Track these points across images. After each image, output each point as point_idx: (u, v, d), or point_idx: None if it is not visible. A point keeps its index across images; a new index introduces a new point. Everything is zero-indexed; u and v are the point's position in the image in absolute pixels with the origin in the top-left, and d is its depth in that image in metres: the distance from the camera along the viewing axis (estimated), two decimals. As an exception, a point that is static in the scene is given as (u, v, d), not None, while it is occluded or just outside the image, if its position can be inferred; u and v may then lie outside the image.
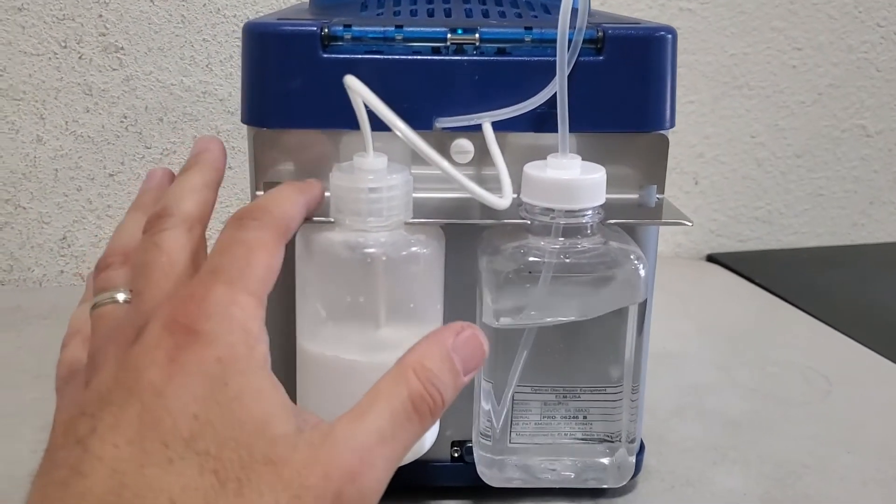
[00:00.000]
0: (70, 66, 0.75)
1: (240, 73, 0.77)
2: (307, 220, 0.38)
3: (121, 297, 0.35)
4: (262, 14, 0.65)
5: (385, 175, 0.38)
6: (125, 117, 0.77)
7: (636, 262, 0.39)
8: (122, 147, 0.77)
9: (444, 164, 0.37)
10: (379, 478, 0.29)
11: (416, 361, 0.32)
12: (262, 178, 0.42)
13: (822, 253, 0.92)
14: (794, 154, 0.91)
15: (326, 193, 0.39)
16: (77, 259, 0.80)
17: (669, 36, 0.42)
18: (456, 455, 0.47)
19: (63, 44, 0.74)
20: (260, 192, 0.42)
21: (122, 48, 0.75)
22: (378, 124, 0.37)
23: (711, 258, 0.90)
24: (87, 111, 0.76)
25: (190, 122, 0.78)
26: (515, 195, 0.40)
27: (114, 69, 0.76)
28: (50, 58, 0.75)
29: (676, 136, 0.86)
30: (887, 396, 0.62)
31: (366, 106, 0.36)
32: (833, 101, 0.90)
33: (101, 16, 0.74)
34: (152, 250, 0.34)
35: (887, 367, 0.66)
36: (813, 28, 0.87)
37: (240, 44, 0.76)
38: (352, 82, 0.35)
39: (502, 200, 0.38)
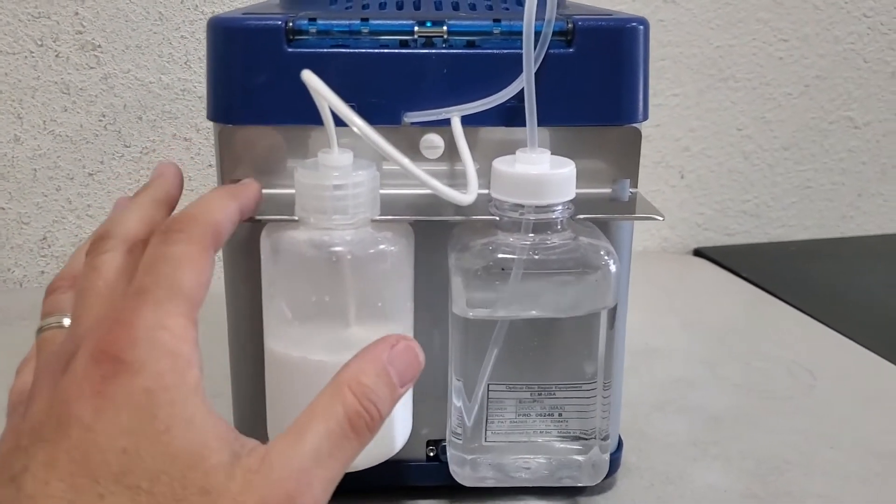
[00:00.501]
0: (47, 64, 0.74)
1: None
2: (249, 220, 0.38)
3: (66, 321, 0.35)
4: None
5: (350, 172, 0.37)
6: (104, 116, 0.76)
7: (606, 257, 0.39)
8: (101, 146, 0.77)
9: (405, 161, 0.36)
10: (317, 499, 0.29)
11: (351, 377, 0.32)
12: (229, 175, 0.41)
13: (810, 246, 0.92)
14: (781, 146, 0.90)
15: (289, 191, 0.38)
16: (57, 259, 0.79)
17: (641, 27, 0.41)
18: (431, 454, 0.46)
19: (39, 42, 0.74)
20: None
21: (99, 46, 0.74)
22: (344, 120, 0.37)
23: (698, 252, 0.90)
24: (65, 110, 0.75)
25: (169, 120, 0.77)
26: (485, 191, 0.39)
27: (91, 67, 0.75)
28: (26, 56, 0.74)
29: (661, 130, 0.86)
30: (872, 390, 0.61)
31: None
32: (820, 92, 0.89)
33: (77, 13, 0.74)
34: (90, 274, 0.33)
35: (873, 361, 0.66)
36: (799, 19, 0.86)
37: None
38: (308, 78, 0.35)
39: (466, 196, 0.38)
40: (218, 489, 0.28)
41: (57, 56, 0.74)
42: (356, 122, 0.35)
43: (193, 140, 0.77)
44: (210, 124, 0.77)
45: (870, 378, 0.63)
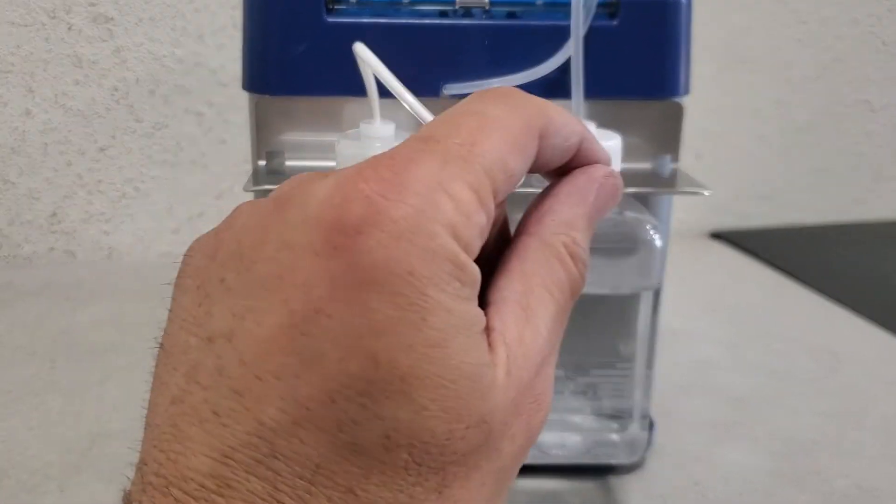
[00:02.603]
0: (59, 37, 0.73)
1: (232, 44, 0.75)
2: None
3: None
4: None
5: (393, 142, 0.36)
6: (116, 90, 0.75)
7: (652, 232, 0.38)
8: (112, 120, 0.76)
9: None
10: (550, 394, 0.23)
11: (565, 234, 0.24)
12: (265, 148, 0.41)
13: (826, 230, 0.92)
14: (797, 129, 0.90)
15: (328, 163, 0.37)
16: (68, 235, 0.78)
17: (685, 1, 0.40)
18: (462, 432, 0.46)
19: (51, 14, 0.72)
20: (262, 163, 0.41)
21: (111, 18, 0.73)
22: (385, 91, 0.36)
23: (714, 235, 0.89)
24: (77, 83, 0.74)
25: (182, 95, 0.76)
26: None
27: (104, 40, 0.74)
28: (38, 28, 0.73)
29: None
30: (894, 372, 0.61)
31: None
32: (837, 75, 0.89)
33: (91, -15, 0.72)
34: None
35: (893, 343, 0.66)
36: (818, 1, 0.86)
37: (233, 13, 0.75)
38: (361, 51, 0.34)
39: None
40: (491, 414, 0.20)
41: (69, 28, 0.73)
42: (406, 97, 0.34)
43: (206, 115, 0.76)
44: (223, 99, 0.77)
45: (891, 360, 0.63)
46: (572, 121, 0.25)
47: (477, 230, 0.21)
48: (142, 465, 0.19)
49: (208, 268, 0.21)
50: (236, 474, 0.18)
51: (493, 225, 0.25)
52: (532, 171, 0.24)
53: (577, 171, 0.26)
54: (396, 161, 0.20)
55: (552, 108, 0.24)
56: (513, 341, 0.21)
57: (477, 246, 0.21)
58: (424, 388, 0.19)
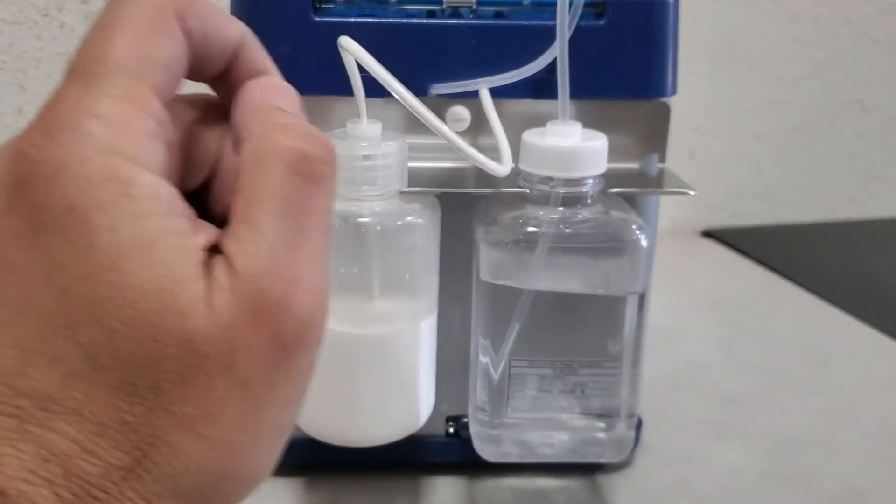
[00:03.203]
0: (51, 34, 0.73)
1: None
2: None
3: None
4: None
5: (380, 142, 0.36)
6: (110, 88, 0.75)
7: (638, 232, 0.38)
8: (107, 119, 0.75)
9: (444, 128, 0.36)
10: (311, 287, 0.22)
11: (265, 115, 0.24)
12: (252, 146, 0.41)
13: (819, 229, 0.92)
14: (791, 128, 0.90)
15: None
16: (62, 233, 0.78)
17: (672, 0, 0.40)
18: (451, 430, 0.46)
19: (44, 12, 0.72)
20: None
21: (106, 17, 0.73)
22: (371, 90, 0.36)
23: (707, 233, 0.89)
24: (71, 82, 0.74)
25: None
26: (513, 164, 0.39)
27: (98, 38, 0.74)
28: (30, 26, 0.72)
29: (672, 109, 0.85)
30: (885, 371, 0.61)
31: (360, 71, 0.35)
32: (831, 74, 0.89)
33: (84, -17, 0.72)
34: None
35: (884, 343, 0.66)
36: (811, 0, 0.86)
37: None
38: (346, 43, 0.34)
39: (502, 167, 0.37)
40: (201, 333, 0.21)
41: (61, 26, 0.73)
42: (397, 88, 0.34)
43: (201, 114, 0.76)
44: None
45: (882, 360, 0.63)
46: (226, 15, 0.25)
47: (143, 137, 0.21)
48: None
49: None
50: None
51: (203, 146, 0.25)
52: (195, 74, 0.25)
53: (245, 87, 0.25)
54: (47, 108, 0.21)
55: None
56: (236, 257, 0.22)
57: (154, 151, 0.22)
58: (107, 312, 0.20)
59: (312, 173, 0.23)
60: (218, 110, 0.26)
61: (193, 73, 0.25)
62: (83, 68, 0.22)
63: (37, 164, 0.20)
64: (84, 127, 0.21)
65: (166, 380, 0.21)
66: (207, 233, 0.22)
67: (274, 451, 0.24)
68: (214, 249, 0.22)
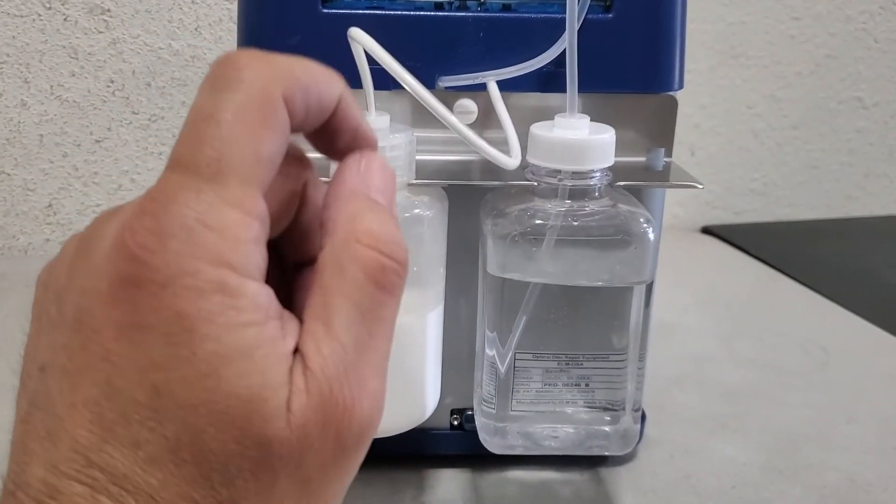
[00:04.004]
0: (55, 28, 0.73)
1: (230, 37, 0.75)
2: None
3: None
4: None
5: (388, 134, 0.36)
6: (112, 82, 0.75)
7: (645, 224, 0.38)
8: (108, 112, 0.76)
9: (454, 119, 0.36)
10: (372, 390, 0.23)
11: (348, 227, 0.24)
12: (259, 138, 0.41)
13: (817, 226, 0.92)
14: (790, 126, 0.90)
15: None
16: (63, 227, 0.78)
17: (679, -6, 0.40)
18: (455, 423, 0.46)
19: (47, 5, 0.72)
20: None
21: (108, 10, 0.73)
22: (379, 82, 0.36)
23: (707, 230, 0.90)
24: (73, 75, 0.74)
25: (178, 88, 0.76)
26: (522, 154, 0.39)
27: (100, 32, 0.74)
28: (34, 19, 0.72)
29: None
30: (884, 367, 0.62)
31: (369, 63, 0.35)
32: (830, 72, 0.89)
33: (86, -24, 0.72)
34: None
35: (883, 338, 0.66)
36: (811, -2, 0.86)
37: (229, 6, 0.75)
38: (357, 34, 0.34)
39: (512, 160, 0.37)
40: (280, 437, 0.22)
41: (65, 20, 0.73)
42: (406, 79, 0.35)
43: (203, 108, 0.76)
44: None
45: (882, 355, 0.64)
46: (323, 75, 0.25)
47: (251, 245, 0.22)
48: (5, 474, 0.23)
49: (43, 298, 0.24)
50: (61, 481, 0.21)
51: (285, 202, 0.26)
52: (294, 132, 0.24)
53: (343, 165, 0.26)
54: (157, 205, 0.22)
55: (296, 67, 0.24)
56: (312, 358, 0.22)
57: (258, 256, 0.22)
58: (199, 414, 0.21)
59: (388, 284, 0.24)
60: (300, 160, 0.26)
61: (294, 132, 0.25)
62: (193, 166, 0.22)
63: (148, 268, 0.21)
64: (197, 238, 0.21)
65: (241, 477, 0.21)
66: (294, 334, 0.23)
67: None
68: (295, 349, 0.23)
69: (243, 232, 0.22)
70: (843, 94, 0.90)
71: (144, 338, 0.21)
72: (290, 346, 0.23)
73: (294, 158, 0.26)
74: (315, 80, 0.24)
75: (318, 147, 0.27)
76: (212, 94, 0.22)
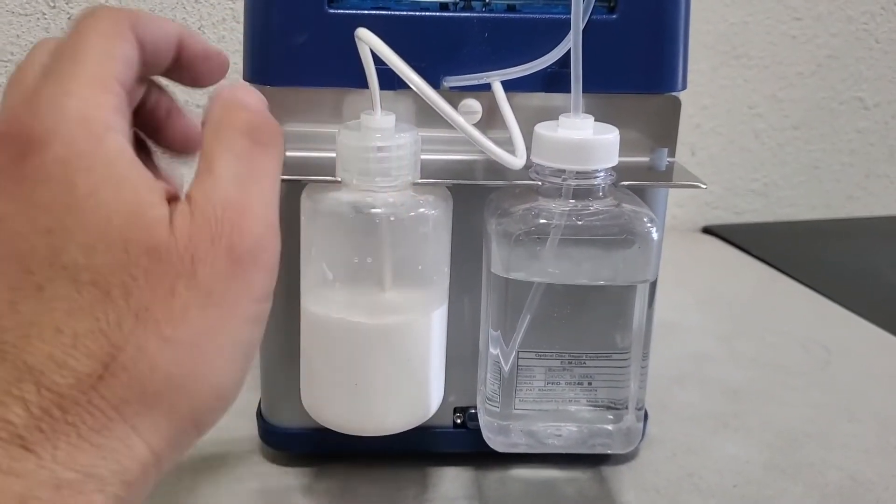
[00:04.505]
0: (59, 26, 0.73)
1: (233, 37, 0.75)
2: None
3: None
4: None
5: (393, 133, 0.37)
6: (115, 81, 0.75)
7: (649, 224, 0.39)
8: (112, 111, 0.76)
9: (460, 119, 0.36)
10: (261, 215, 0.27)
11: (228, 102, 0.30)
12: (265, 138, 0.41)
13: (818, 226, 0.92)
14: (791, 126, 0.90)
15: (327, 154, 0.38)
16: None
17: (683, -5, 0.41)
18: (458, 421, 0.46)
19: (52, 4, 0.72)
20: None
21: (112, 9, 0.73)
22: (384, 82, 0.36)
23: (707, 230, 0.90)
24: (76, 74, 0.74)
25: (181, 87, 0.76)
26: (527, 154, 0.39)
27: (103, 31, 0.74)
28: (38, 18, 0.73)
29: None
30: (886, 366, 0.62)
31: (374, 63, 0.35)
32: (831, 72, 0.89)
33: (90, -25, 0.73)
34: (22, 62, 0.30)
35: (884, 338, 0.66)
36: (813, -2, 0.87)
37: (233, 6, 0.75)
38: (364, 34, 0.34)
39: (518, 160, 0.37)
40: (165, 244, 0.25)
41: (70, 18, 0.73)
42: (413, 79, 0.35)
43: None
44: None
45: (883, 355, 0.64)
46: (163, 19, 0.31)
47: (109, 109, 0.27)
48: None
49: None
50: None
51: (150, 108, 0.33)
52: (152, 68, 0.31)
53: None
54: (20, 92, 0.27)
55: (141, 13, 0.30)
56: (196, 190, 0.27)
57: (119, 122, 0.27)
58: (87, 231, 0.25)
59: (262, 138, 0.29)
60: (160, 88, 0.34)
61: (151, 68, 0.31)
62: (58, 70, 0.27)
63: (31, 137, 0.25)
64: (63, 104, 0.26)
65: (136, 286, 0.25)
66: (164, 182, 0.27)
67: (238, 366, 0.27)
68: (174, 199, 0.27)
69: (100, 98, 0.26)
70: (844, 94, 0.90)
71: (31, 191, 0.25)
72: (162, 183, 0.27)
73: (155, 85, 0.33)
74: (152, 19, 0.30)
75: (186, 81, 0.33)
76: (78, 22, 0.28)
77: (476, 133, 0.37)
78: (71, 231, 0.25)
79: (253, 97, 0.31)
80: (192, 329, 0.25)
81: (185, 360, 0.25)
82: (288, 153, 0.41)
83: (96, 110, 0.26)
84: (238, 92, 0.30)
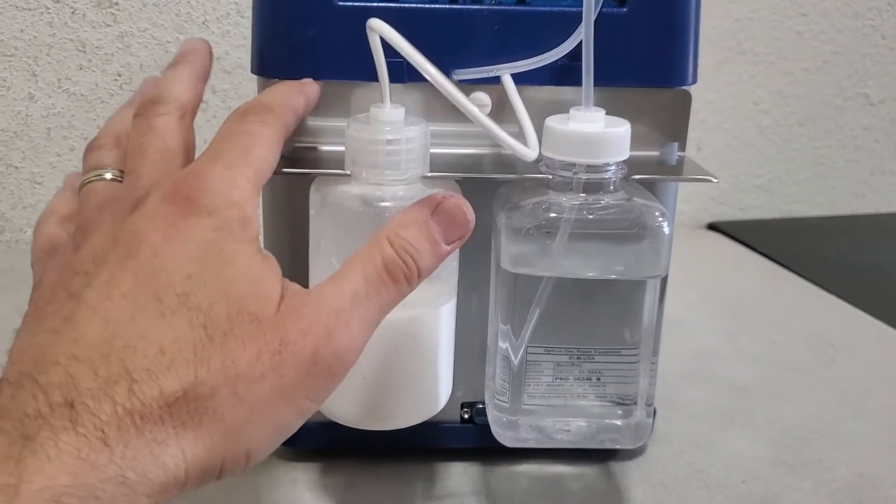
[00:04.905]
0: (63, 21, 0.73)
1: (237, 31, 0.75)
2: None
3: (108, 175, 0.36)
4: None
5: (402, 127, 0.37)
6: (119, 75, 0.75)
7: (661, 218, 0.38)
8: (116, 106, 0.74)
9: (474, 109, 0.36)
10: (353, 335, 0.31)
11: (391, 230, 0.33)
12: (273, 131, 0.41)
13: (823, 222, 0.92)
14: (796, 122, 0.90)
15: (336, 147, 0.38)
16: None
17: (693, -12, 0.40)
18: (466, 416, 0.46)
19: (56, -2, 0.72)
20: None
21: (116, 3, 0.73)
22: (392, 75, 0.36)
23: (713, 226, 0.90)
24: (81, 68, 0.74)
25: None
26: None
27: (108, 25, 0.74)
28: (42, 13, 0.72)
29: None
30: (891, 363, 0.62)
31: (384, 55, 0.35)
32: (837, 68, 0.89)
33: (94, -31, 0.72)
34: (148, 133, 0.35)
35: (890, 334, 0.66)
36: (819, -6, 0.86)
37: (236, 0, 0.74)
38: (376, 24, 0.34)
39: (531, 151, 0.37)
40: (265, 318, 0.29)
41: (73, 13, 0.73)
42: (428, 69, 0.35)
43: (210, 102, 0.76)
44: (227, 86, 0.77)
45: (889, 351, 0.64)
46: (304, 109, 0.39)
47: (256, 206, 0.32)
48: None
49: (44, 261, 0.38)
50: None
51: None
52: None
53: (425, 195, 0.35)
54: (201, 173, 0.32)
55: (296, 112, 0.37)
56: (314, 288, 0.31)
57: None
58: (218, 289, 0.29)
59: (393, 275, 0.32)
60: None
61: None
62: (230, 157, 0.32)
63: (199, 205, 0.30)
64: (228, 191, 0.31)
65: (234, 336, 0.29)
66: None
67: (272, 442, 0.30)
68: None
69: (254, 197, 0.32)
70: (849, 90, 0.90)
71: (186, 242, 0.30)
72: (278, 268, 0.31)
73: None
74: (298, 117, 0.38)
75: None
76: (242, 122, 0.35)
77: (490, 123, 0.36)
78: (206, 282, 0.29)
79: (427, 224, 0.34)
80: (256, 395, 0.29)
81: (240, 416, 0.28)
82: (297, 146, 0.41)
83: (248, 205, 0.32)
84: (421, 216, 0.34)
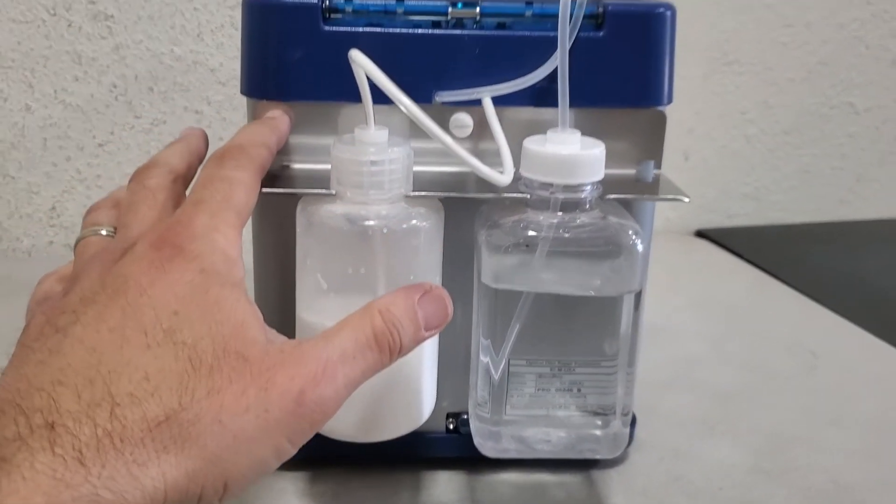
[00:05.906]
0: (59, 33, 0.74)
1: (231, 43, 0.76)
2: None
3: (104, 231, 0.38)
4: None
5: (386, 148, 0.38)
6: (115, 86, 0.76)
7: (634, 237, 0.40)
8: (111, 116, 0.77)
9: (447, 139, 0.37)
10: (337, 389, 0.32)
11: (382, 305, 0.34)
12: (262, 150, 0.42)
13: (809, 229, 0.93)
14: (782, 131, 0.91)
15: (322, 167, 0.39)
16: (66, 230, 0.79)
17: (669, 13, 0.42)
18: (451, 426, 0.47)
19: (52, 11, 0.73)
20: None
21: (111, 16, 0.74)
22: (378, 97, 0.37)
23: (700, 234, 0.91)
24: (76, 80, 0.75)
25: (181, 92, 0.77)
26: (514, 169, 0.40)
27: (103, 37, 0.75)
28: (38, 25, 0.74)
29: (666, 112, 0.87)
30: (872, 370, 0.63)
31: (368, 79, 0.36)
32: (822, 78, 0.90)
33: (90, -17, 0.73)
34: (140, 191, 0.37)
35: (872, 342, 0.67)
36: (803, 5, 0.87)
37: (231, 13, 0.76)
38: (357, 56, 0.35)
39: (503, 177, 0.38)
40: (254, 357, 0.31)
41: (69, 25, 0.74)
42: (403, 101, 0.36)
43: (205, 113, 0.78)
44: (221, 97, 0.78)
45: (869, 359, 0.65)
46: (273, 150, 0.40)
47: (239, 248, 0.34)
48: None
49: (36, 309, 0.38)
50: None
51: None
52: None
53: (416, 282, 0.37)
54: (183, 221, 0.34)
55: (269, 155, 0.39)
56: (303, 340, 0.33)
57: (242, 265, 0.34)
58: (203, 328, 0.30)
59: (381, 345, 0.34)
60: None
61: None
62: (211, 204, 0.34)
63: (185, 250, 0.32)
64: (213, 237, 0.33)
65: (219, 371, 0.30)
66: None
67: (249, 478, 0.31)
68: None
69: (238, 240, 0.34)
70: (834, 99, 0.92)
71: (172, 283, 0.31)
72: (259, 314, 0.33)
73: None
74: (272, 148, 0.39)
75: None
76: (219, 167, 0.36)
77: (463, 152, 0.38)
78: (191, 320, 0.30)
79: (415, 307, 0.35)
80: (240, 426, 0.30)
81: (222, 444, 0.29)
82: (283, 164, 0.42)
83: (232, 248, 0.33)
84: (410, 297, 0.35)
